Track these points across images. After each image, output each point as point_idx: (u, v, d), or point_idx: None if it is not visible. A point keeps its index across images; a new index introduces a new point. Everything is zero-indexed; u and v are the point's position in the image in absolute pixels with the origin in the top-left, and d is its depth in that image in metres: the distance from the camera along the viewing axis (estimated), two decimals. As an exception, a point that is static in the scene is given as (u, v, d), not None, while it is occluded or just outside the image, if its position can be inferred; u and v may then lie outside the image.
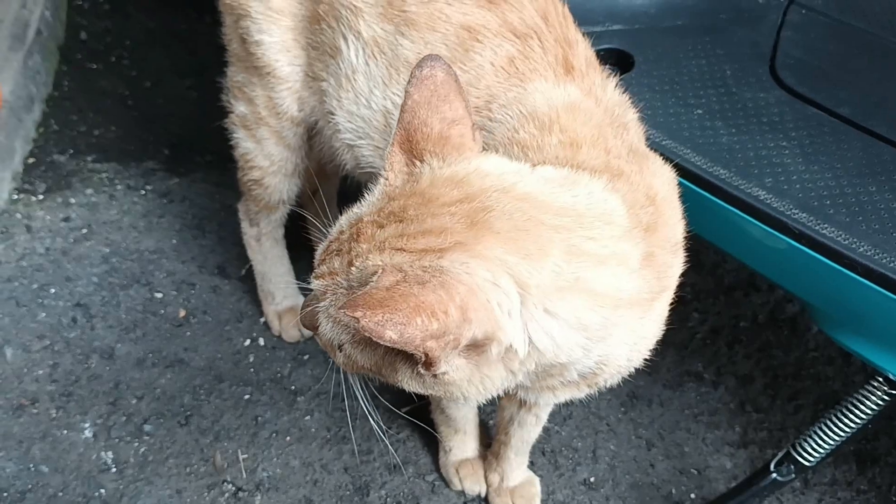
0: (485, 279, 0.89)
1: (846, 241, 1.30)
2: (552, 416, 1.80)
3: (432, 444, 1.77)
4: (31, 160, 2.23)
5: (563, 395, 1.20)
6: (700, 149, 1.46)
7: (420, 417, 1.74)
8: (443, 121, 1.00)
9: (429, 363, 0.89)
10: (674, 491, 1.79)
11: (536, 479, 1.73)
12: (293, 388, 1.85)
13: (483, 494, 1.73)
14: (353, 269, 0.94)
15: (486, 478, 1.72)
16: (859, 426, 1.43)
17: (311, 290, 1.02)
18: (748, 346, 2.05)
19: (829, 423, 1.46)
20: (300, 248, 2.01)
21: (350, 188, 2.04)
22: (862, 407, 1.41)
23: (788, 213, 1.35)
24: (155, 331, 1.92)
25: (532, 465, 1.76)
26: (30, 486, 1.64)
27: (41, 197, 2.14)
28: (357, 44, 1.31)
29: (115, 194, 2.18)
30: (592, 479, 1.78)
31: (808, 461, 1.49)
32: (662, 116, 1.51)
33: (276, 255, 1.87)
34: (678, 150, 1.45)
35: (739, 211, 1.37)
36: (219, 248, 2.09)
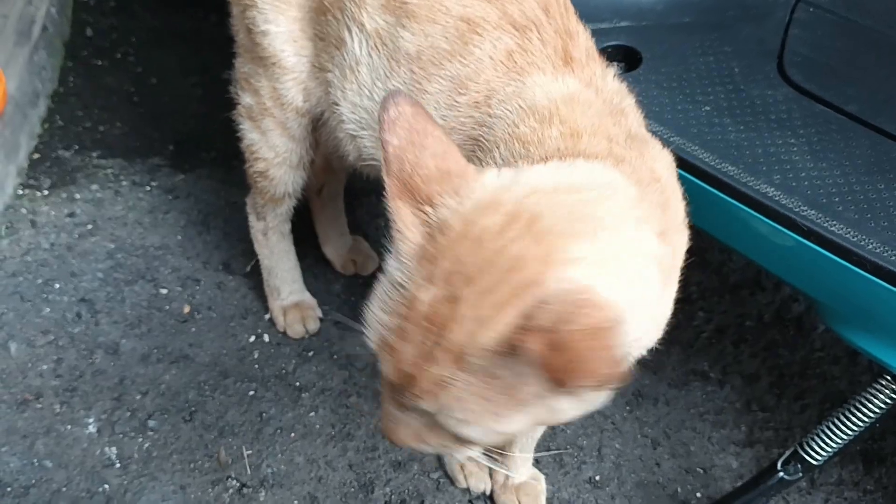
0: (589, 278, 0.86)
1: (855, 238, 1.29)
2: (557, 414, 1.80)
3: (437, 442, 1.77)
4: (36, 156, 2.23)
5: None
6: (708, 145, 1.45)
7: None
8: (434, 156, 0.91)
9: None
10: (679, 490, 1.78)
11: (542, 477, 1.72)
12: (298, 384, 1.85)
13: (488, 492, 1.72)
14: (471, 360, 0.84)
15: (490, 475, 1.72)
16: (867, 425, 1.42)
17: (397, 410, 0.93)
18: (754, 345, 2.04)
19: (836, 421, 1.45)
20: (307, 244, 2.01)
21: (356, 184, 2.05)
22: (869, 405, 1.40)
23: (796, 210, 1.34)
24: (160, 327, 1.91)
25: (537, 463, 1.75)
26: (33, 481, 1.64)
27: (46, 192, 2.14)
28: (361, 35, 1.31)
29: (120, 190, 2.18)
30: (598, 478, 1.78)
31: (816, 460, 1.48)
32: (670, 113, 1.51)
33: (283, 250, 1.86)
34: (686, 146, 1.45)
35: (747, 208, 1.37)
36: (224, 244, 2.09)
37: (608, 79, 1.21)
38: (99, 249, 2.03)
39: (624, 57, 1.62)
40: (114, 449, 1.70)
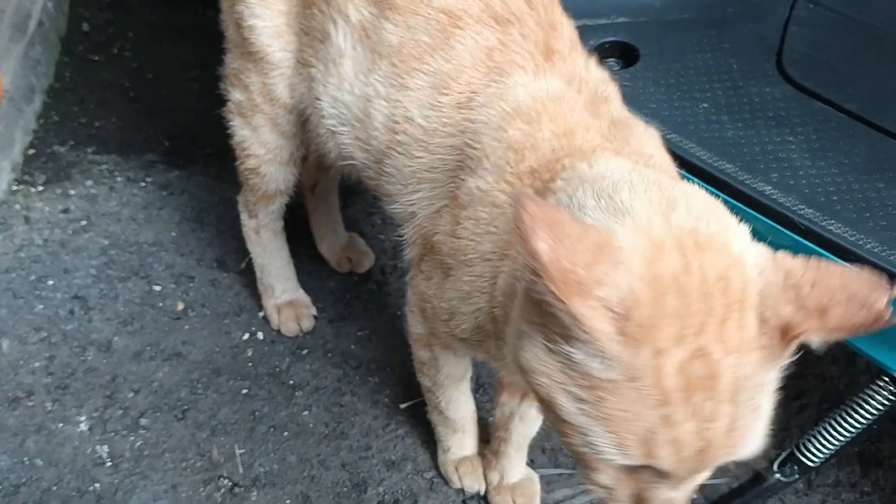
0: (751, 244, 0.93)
1: (853, 238, 1.29)
2: (553, 413, 1.78)
3: (431, 441, 1.75)
4: (31, 151, 2.21)
5: None
6: (705, 143, 1.44)
7: (418, 414, 1.72)
8: (580, 240, 0.82)
9: None
10: (675, 491, 1.77)
11: (536, 477, 1.71)
12: (291, 382, 1.83)
13: (482, 492, 1.71)
14: (742, 393, 0.88)
15: (485, 475, 1.70)
16: (864, 426, 1.41)
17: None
18: (752, 346, 2.02)
19: (833, 423, 1.44)
20: (302, 241, 2.00)
21: (351, 182, 2.03)
22: (867, 407, 1.39)
23: (794, 208, 1.33)
24: (153, 324, 1.90)
25: (532, 463, 1.74)
26: (24, 480, 1.62)
27: (41, 188, 2.13)
28: (346, 28, 1.30)
29: (114, 186, 2.17)
30: (593, 478, 1.76)
31: (813, 461, 1.47)
32: (668, 110, 1.50)
33: (276, 248, 1.85)
34: (683, 144, 1.44)
35: (745, 206, 1.36)
36: (218, 241, 2.07)
37: (591, 68, 1.21)
38: (92, 246, 2.02)
39: (622, 53, 1.61)
40: (105, 447, 1.69)
